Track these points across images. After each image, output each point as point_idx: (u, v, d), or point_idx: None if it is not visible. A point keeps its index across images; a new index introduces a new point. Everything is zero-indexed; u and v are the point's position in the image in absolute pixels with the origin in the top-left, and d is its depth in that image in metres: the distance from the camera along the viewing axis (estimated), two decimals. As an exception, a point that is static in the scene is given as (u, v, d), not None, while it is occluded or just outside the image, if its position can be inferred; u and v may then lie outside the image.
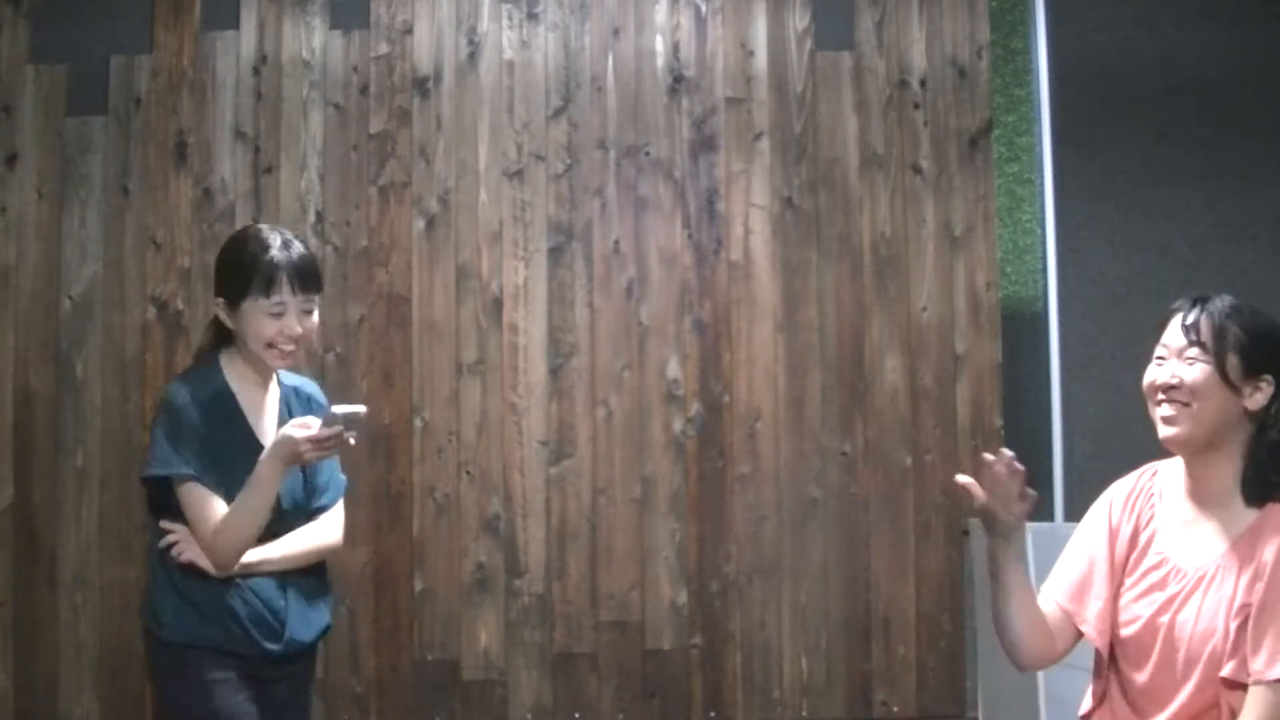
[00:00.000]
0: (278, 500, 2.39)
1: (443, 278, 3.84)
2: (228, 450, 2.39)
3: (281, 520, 2.43)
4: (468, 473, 3.79)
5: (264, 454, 2.35)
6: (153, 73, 3.84)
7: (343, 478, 2.60)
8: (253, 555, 2.39)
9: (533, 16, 3.94)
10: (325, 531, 2.52)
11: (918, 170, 3.96)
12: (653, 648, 3.78)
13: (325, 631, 2.53)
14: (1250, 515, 1.92)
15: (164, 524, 2.40)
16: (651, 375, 3.86)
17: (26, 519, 3.67)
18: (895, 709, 3.80)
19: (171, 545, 2.37)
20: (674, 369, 3.86)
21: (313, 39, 3.89)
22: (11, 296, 3.75)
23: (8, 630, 3.65)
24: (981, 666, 3.70)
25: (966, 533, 3.79)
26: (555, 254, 3.87)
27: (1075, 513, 3.45)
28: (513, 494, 3.79)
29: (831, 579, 3.83)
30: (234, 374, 2.46)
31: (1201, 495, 1.99)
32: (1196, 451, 1.97)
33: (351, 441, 2.35)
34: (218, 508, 2.35)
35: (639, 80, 3.94)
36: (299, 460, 2.34)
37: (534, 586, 3.77)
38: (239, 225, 3.76)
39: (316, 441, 2.30)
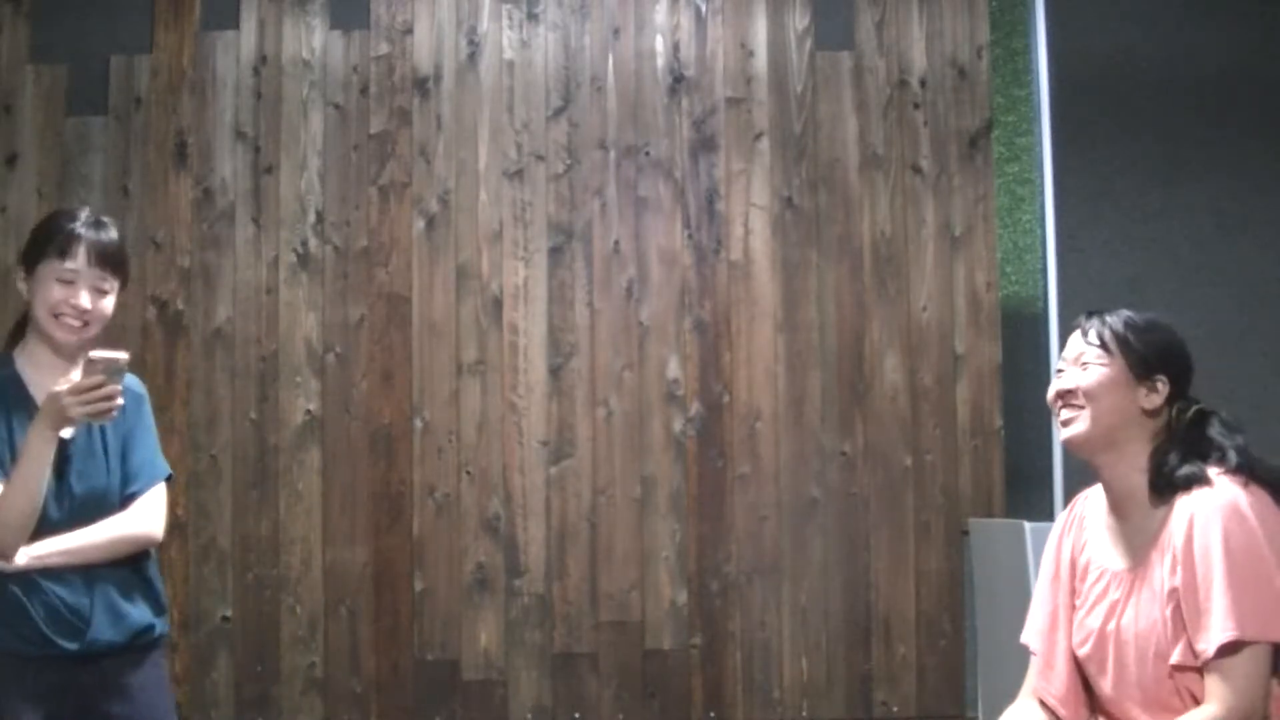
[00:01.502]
0: (70, 486, 2.26)
1: (443, 278, 3.85)
2: (12, 439, 2.24)
3: (80, 507, 2.28)
4: (468, 473, 3.79)
5: (33, 420, 2.20)
6: (153, 73, 3.84)
7: (164, 465, 2.43)
8: (44, 547, 2.23)
9: (533, 16, 3.94)
10: (132, 520, 2.32)
11: (918, 170, 3.96)
12: (653, 648, 3.78)
13: (145, 633, 2.34)
14: (1163, 511, 1.98)
15: None
16: (651, 375, 3.86)
17: (26, 519, 3.67)
18: (895, 709, 3.80)
19: None
20: (674, 369, 3.86)
21: (313, 39, 3.89)
22: (12, 296, 3.75)
23: (8, 630, 3.64)
24: (981, 666, 3.69)
25: (966, 533, 3.79)
26: (555, 254, 3.87)
27: (1075, 513, 3.45)
28: (513, 494, 3.79)
29: (831, 579, 3.83)
30: (28, 360, 2.33)
31: (1119, 503, 2.05)
32: (1096, 451, 2.04)
33: (121, 401, 2.20)
34: None
35: (639, 80, 3.94)
36: (67, 418, 2.17)
37: (534, 586, 3.77)
38: (239, 225, 3.78)
39: (78, 392, 2.15)
